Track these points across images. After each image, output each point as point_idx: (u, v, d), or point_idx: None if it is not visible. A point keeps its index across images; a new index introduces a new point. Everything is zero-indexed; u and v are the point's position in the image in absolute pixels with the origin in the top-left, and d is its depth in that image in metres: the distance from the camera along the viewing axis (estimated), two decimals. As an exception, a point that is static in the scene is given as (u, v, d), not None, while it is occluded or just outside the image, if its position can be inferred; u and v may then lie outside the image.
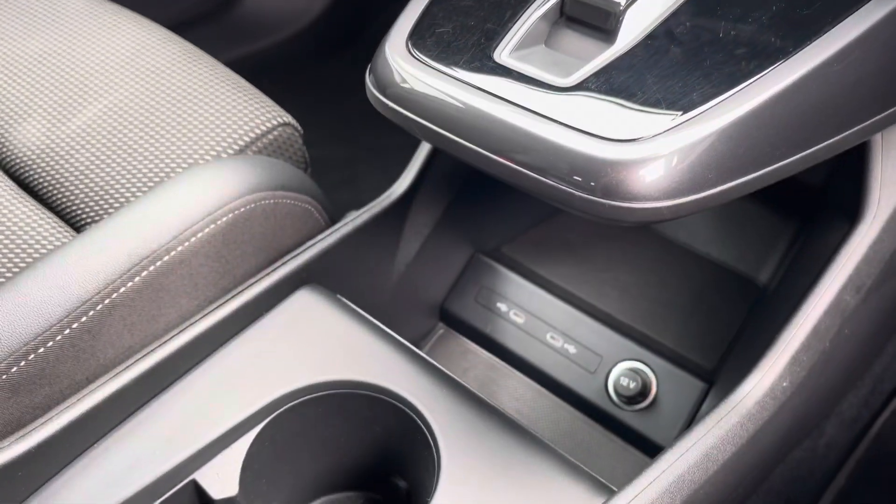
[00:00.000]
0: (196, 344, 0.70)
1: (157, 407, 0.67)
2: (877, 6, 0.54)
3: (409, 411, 0.67)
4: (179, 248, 0.71)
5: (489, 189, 0.94)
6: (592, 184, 0.52)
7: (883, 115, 0.59)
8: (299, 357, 0.70)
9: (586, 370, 0.89)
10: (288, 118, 0.89)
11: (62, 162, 0.87)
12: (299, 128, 0.91)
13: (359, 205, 0.83)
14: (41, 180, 0.87)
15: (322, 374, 0.68)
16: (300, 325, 0.73)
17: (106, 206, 0.83)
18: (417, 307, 0.96)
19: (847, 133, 0.57)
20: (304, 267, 0.76)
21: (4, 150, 0.90)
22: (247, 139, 0.86)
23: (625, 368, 0.87)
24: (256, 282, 0.74)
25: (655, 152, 0.51)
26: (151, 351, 0.68)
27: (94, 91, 0.91)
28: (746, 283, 0.89)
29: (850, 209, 0.68)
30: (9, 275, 0.75)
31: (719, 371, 0.85)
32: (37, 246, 0.77)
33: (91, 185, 0.84)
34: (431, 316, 0.98)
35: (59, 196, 0.85)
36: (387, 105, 0.62)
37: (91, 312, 0.67)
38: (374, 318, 0.74)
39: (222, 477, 0.64)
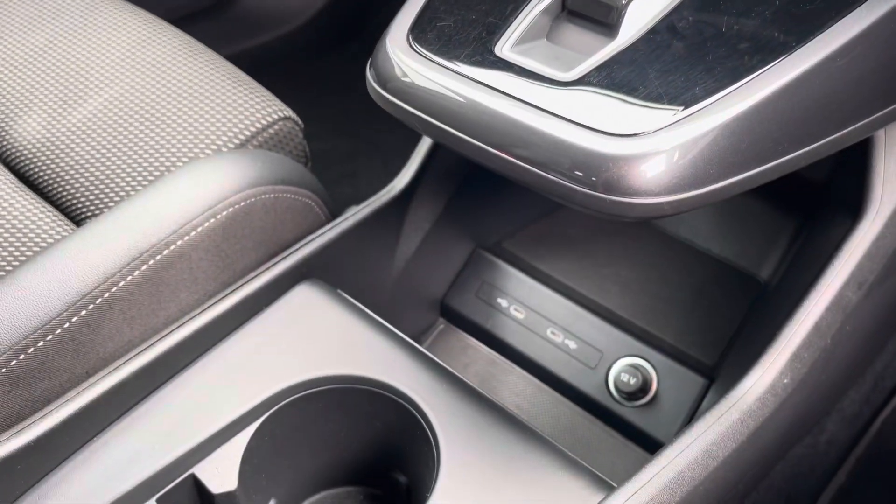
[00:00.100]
0: (196, 338, 0.70)
1: (157, 401, 0.67)
2: (880, 1, 0.53)
3: (409, 406, 0.67)
4: (179, 243, 0.71)
5: (490, 184, 0.94)
6: (594, 179, 0.52)
7: (886, 110, 0.59)
8: (299, 352, 0.70)
9: (587, 366, 0.88)
10: (289, 112, 0.89)
11: (62, 155, 0.86)
12: (300, 122, 0.91)
13: (359, 199, 0.83)
14: (41, 173, 0.87)
15: (322, 369, 0.68)
16: (300, 320, 0.72)
17: (106, 200, 0.83)
18: (418, 302, 0.96)
19: (850, 129, 0.57)
20: (304, 262, 0.76)
21: (5, 143, 0.90)
22: (247, 133, 0.85)
23: (625, 364, 0.87)
24: (256, 276, 0.74)
25: (657, 147, 0.51)
26: (151, 345, 0.68)
27: (95, 84, 0.91)
28: (748, 280, 0.89)
29: (852, 205, 0.68)
30: (9, 268, 0.75)
31: (720, 367, 0.85)
32: (37, 239, 0.77)
33: (91, 178, 0.84)
34: (432, 311, 0.98)
35: (60, 189, 0.85)
36: (387, 99, 0.62)
37: (91, 306, 0.67)
38: (375, 313, 0.74)
39: (222, 471, 0.64)
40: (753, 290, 0.88)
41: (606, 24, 0.56)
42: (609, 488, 0.61)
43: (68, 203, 0.85)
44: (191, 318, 0.70)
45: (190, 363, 0.70)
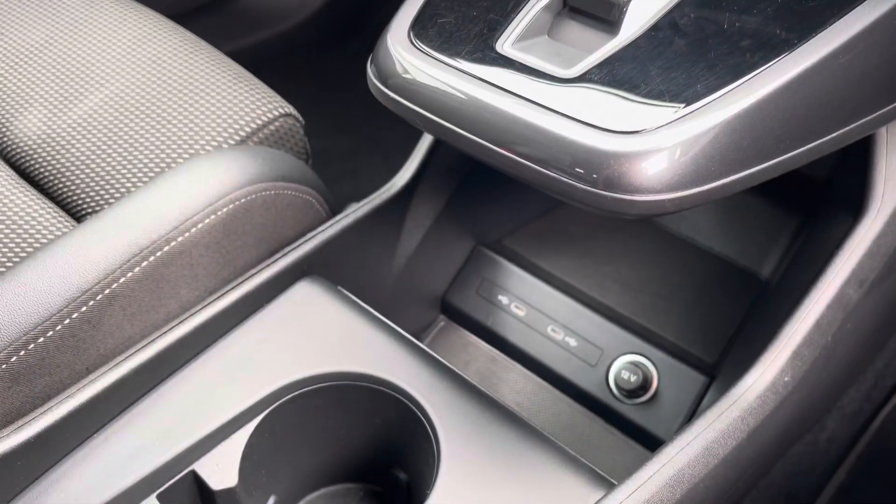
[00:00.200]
0: (196, 335, 0.70)
1: (157, 397, 0.67)
2: (883, -2, 0.53)
3: (409, 403, 0.66)
4: (180, 239, 0.71)
5: (491, 181, 0.94)
6: (595, 176, 0.51)
7: (888, 108, 0.59)
8: (299, 348, 0.70)
9: (587, 363, 0.88)
10: (289, 109, 0.89)
11: (63, 152, 0.86)
12: (301, 119, 0.90)
13: (360, 196, 0.83)
14: (42, 170, 0.87)
15: (322, 366, 0.68)
16: (300, 317, 0.72)
17: (106, 196, 0.83)
18: (418, 299, 0.96)
19: (852, 126, 0.57)
20: (304, 258, 0.76)
21: (5, 139, 0.90)
22: (248, 130, 0.85)
23: (626, 362, 0.87)
24: (257, 273, 0.74)
25: (658, 144, 0.51)
26: (151, 341, 0.68)
27: (96, 81, 0.91)
28: (749, 277, 0.89)
29: (854, 203, 0.67)
30: (9, 264, 0.75)
31: (720, 365, 0.84)
32: (37, 236, 0.77)
33: (92, 174, 0.84)
34: (432, 308, 0.98)
35: (60, 186, 0.85)
36: (388, 96, 0.62)
37: (91, 302, 0.67)
38: (375, 310, 0.74)
39: (222, 468, 0.64)
40: (754, 288, 0.88)
41: (608, 20, 0.56)
42: (609, 486, 0.61)
43: (69, 199, 0.85)
44: (191, 315, 0.70)
45: (190, 360, 0.70)
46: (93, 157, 0.85)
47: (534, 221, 0.98)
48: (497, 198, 0.96)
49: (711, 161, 0.51)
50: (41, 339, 0.65)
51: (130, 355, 0.67)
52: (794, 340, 0.63)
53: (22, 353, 0.64)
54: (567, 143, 0.52)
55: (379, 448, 0.72)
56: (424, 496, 0.62)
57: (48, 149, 0.87)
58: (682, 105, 0.52)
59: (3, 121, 0.91)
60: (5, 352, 0.63)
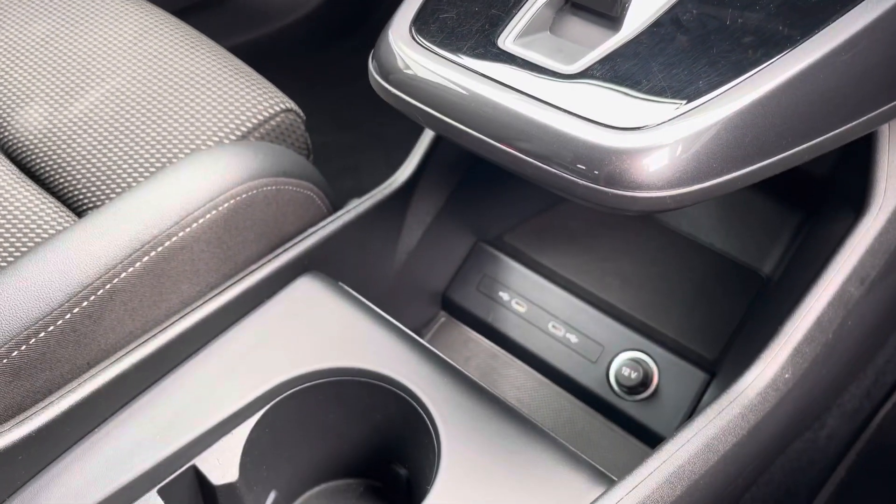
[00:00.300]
0: (197, 330, 0.70)
1: (158, 392, 0.67)
2: (885, -5, 0.53)
3: (409, 399, 0.67)
4: (181, 234, 0.71)
5: (492, 177, 0.94)
6: (596, 172, 0.51)
7: (890, 105, 0.59)
8: (300, 344, 0.70)
9: (588, 360, 0.88)
10: (291, 104, 0.89)
11: (64, 146, 0.86)
12: (302, 114, 0.90)
13: (361, 192, 0.83)
14: (43, 164, 0.87)
15: (323, 362, 0.68)
16: (301, 313, 0.72)
17: (108, 191, 0.83)
18: (419, 295, 0.96)
19: (854, 123, 0.57)
20: (305, 254, 0.76)
21: (6, 133, 0.90)
22: (249, 125, 0.85)
23: (626, 358, 0.87)
24: (258, 268, 0.74)
25: (660, 141, 0.51)
26: (152, 336, 0.68)
27: (97, 75, 0.91)
28: (750, 274, 0.89)
29: (855, 200, 0.67)
30: (10, 259, 0.75)
31: (721, 362, 0.84)
32: (38, 230, 0.77)
33: (93, 169, 0.84)
34: (433, 304, 0.98)
35: (61, 180, 0.85)
36: (389, 91, 0.62)
37: (92, 297, 0.67)
38: (376, 305, 0.74)
39: (222, 463, 0.64)
40: (755, 285, 0.88)
41: (610, 16, 0.56)
42: (609, 482, 0.61)
43: (70, 194, 0.85)
44: (192, 310, 0.70)
45: (191, 355, 0.70)
46: (94, 151, 0.85)
47: (535, 218, 0.98)
48: (498, 194, 0.96)
49: (713, 158, 0.51)
50: (42, 334, 0.65)
51: (131, 350, 0.67)
52: (795, 337, 0.63)
53: (23, 347, 0.64)
54: (569, 139, 0.52)
55: (379, 444, 0.72)
56: (425, 492, 0.62)
57: (49, 143, 0.87)
58: (684, 101, 0.51)
59: (5, 115, 0.91)
60: (6, 346, 0.63)
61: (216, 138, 0.84)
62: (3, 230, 0.77)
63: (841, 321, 0.66)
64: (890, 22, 0.54)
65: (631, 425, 0.86)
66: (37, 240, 0.77)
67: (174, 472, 0.63)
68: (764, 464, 0.80)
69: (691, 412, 0.83)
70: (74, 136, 0.86)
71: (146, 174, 0.82)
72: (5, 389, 0.64)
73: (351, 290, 0.75)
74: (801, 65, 0.52)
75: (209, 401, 0.66)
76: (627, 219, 0.96)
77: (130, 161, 0.83)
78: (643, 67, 0.54)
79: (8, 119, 0.90)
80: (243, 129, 0.85)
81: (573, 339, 0.90)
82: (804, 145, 0.55)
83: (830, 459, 0.90)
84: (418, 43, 0.61)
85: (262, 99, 0.87)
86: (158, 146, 0.84)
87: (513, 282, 0.95)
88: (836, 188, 0.80)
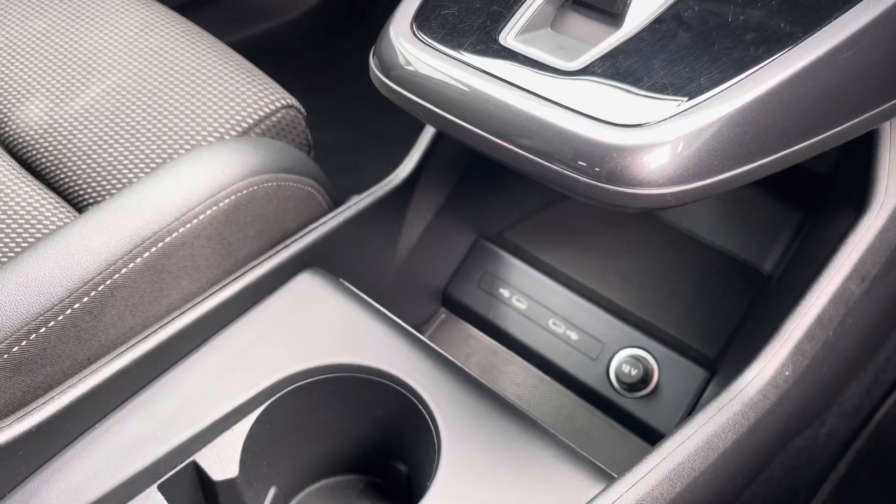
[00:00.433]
0: (198, 326, 0.70)
1: (158, 388, 0.67)
2: (888, -8, 0.53)
3: (410, 395, 0.67)
4: (181, 230, 0.70)
5: (493, 174, 0.94)
6: (597, 169, 0.51)
7: (892, 103, 0.59)
8: (301, 340, 0.70)
9: (588, 357, 0.88)
10: (292, 100, 0.89)
11: (65, 142, 0.86)
12: (303, 110, 0.90)
13: (361, 189, 0.83)
14: (43, 160, 0.87)
15: (323, 358, 0.68)
16: (302, 309, 0.72)
17: (108, 187, 0.83)
18: (419, 292, 0.96)
19: (856, 121, 0.57)
20: (306, 250, 0.76)
21: (7, 129, 0.90)
22: (250, 121, 0.85)
23: (626, 355, 0.87)
24: (258, 264, 0.74)
25: (661, 138, 0.51)
26: (153, 332, 0.68)
27: (98, 71, 0.91)
28: (750, 272, 0.89)
29: (857, 198, 0.67)
30: (11, 254, 0.75)
31: (721, 359, 0.85)
32: (38, 226, 0.77)
33: (93, 165, 0.84)
34: (433, 301, 0.98)
35: (62, 176, 0.85)
36: (390, 87, 0.62)
37: (93, 293, 0.67)
38: (376, 302, 0.74)
39: (223, 458, 0.64)
40: (756, 283, 0.88)
41: (612, 13, 0.56)
42: (609, 479, 0.61)
43: (70, 190, 0.84)
44: (193, 306, 0.70)
45: (192, 351, 0.70)
46: (94, 147, 0.85)
47: (535, 215, 0.98)
48: (499, 191, 0.96)
49: (714, 155, 0.51)
50: (43, 330, 0.65)
51: (132, 346, 0.67)
52: (796, 335, 0.63)
53: (24, 343, 0.64)
54: (570, 135, 0.52)
55: (379, 440, 0.72)
56: (424, 488, 0.62)
57: (50, 139, 0.87)
58: (686, 98, 0.51)
59: (5, 110, 0.91)
60: (7, 342, 0.63)
61: (217, 134, 0.84)
62: (3, 226, 0.77)
63: (841, 319, 0.66)
64: (892, 19, 0.53)
65: (631, 422, 0.86)
66: (37, 235, 0.77)
67: (174, 467, 0.63)
68: (764, 461, 0.80)
69: (691, 409, 0.83)
70: (75, 132, 0.86)
71: (147, 170, 0.82)
72: (6, 385, 0.64)
73: (351, 287, 0.75)
74: (802, 62, 0.52)
75: (209, 397, 0.66)
76: (628, 216, 0.96)
77: (131, 157, 0.83)
78: (644, 64, 0.54)
79: (8, 115, 0.90)
80: (244, 125, 0.85)
81: (573, 335, 0.90)
82: (805, 143, 0.55)
83: (830, 457, 0.90)
84: (419, 39, 0.61)
85: (263, 95, 0.87)
86: (159, 142, 0.84)
87: (513, 279, 0.95)
88: (838, 186, 0.80)
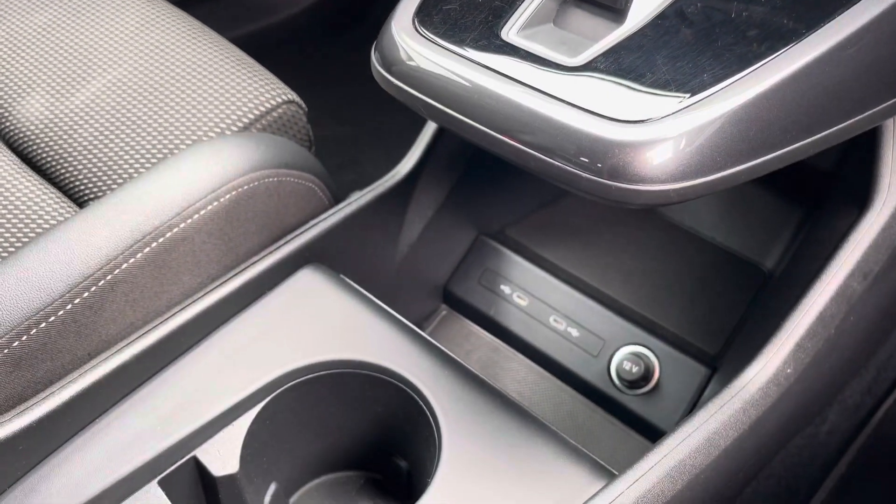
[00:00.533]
0: (198, 321, 0.70)
1: (159, 383, 0.67)
2: (892, -12, 0.53)
3: (410, 392, 0.67)
4: (182, 225, 0.70)
5: (494, 170, 0.94)
6: (599, 165, 0.51)
7: (895, 99, 0.58)
8: (301, 336, 0.70)
9: (589, 354, 0.88)
10: (293, 96, 0.89)
11: (65, 137, 0.86)
12: (304, 106, 0.90)
13: (362, 185, 0.83)
14: (44, 155, 0.87)
15: (324, 354, 0.68)
16: (303, 305, 0.72)
17: (109, 182, 0.83)
18: (420, 288, 0.96)
19: (859, 117, 0.57)
20: (307, 246, 0.76)
21: (8, 124, 0.90)
22: (251, 116, 0.85)
23: (627, 352, 0.87)
24: (259, 260, 0.73)
25: (663, 134, 0.50)
26: (153, 327, 0.68)
27: (99, 66, 0.91)
28: (752, 269, 0.89)
29: (859, 195, 0.67)
30: (11, 249, 0.75)
31: (723, 357, 0.84)
32: (39, 221, 0.77)
33: (94, 160, 0.84)
34: (434, 297, 0.97)
35: (63, 171, 0.85)
36: (392, 83, 0.61)
37: (93, 288, 0.67)
38: (377, 298, 0.74)
39: (223, 454, 0.64)
40: (757, 280, 0.88)
41: (614, 8, 0.56)
42: (610, 476, 0.61)
43: (71, 185, 0.84)
44: (193, 302, 0.70)
45: (192, 346, 0.70)
46: (95, 142, 0.85)
47: (537, 212, 0.98)
48: (500, 187, 0.96)
49: (717, 151, 0.51)
50: (43, 325, 0.65)
51: (132, 341, 0.67)
52: (797, 332, 0.63)
53: (24, 337, 0.64)
54: (572, 131, 0.52)
55: (380, 436, 0.72)
56: (425, 484, 0.62)
57: (51, 134, 0.87)
58: (688, 95, 0.51)
59: (6, 105, 0.91)
60: (7, 336, 0.63)
61: (218, 129, 0.84)
62: (4, 221, 0.77)
63: (843, 316, 0.66)
64: (895, 16, 0.53)
65: (632, 419, 0.86)
66: (38, 230, 0.76)
67: (175, 463, 0.63)
68: (765, 459, 0.80)
69: (692, 407, 0.83)
70: (76, 127, 0.86)
71: (148, 165, 0.82)
72: (6, 380, 0.64)
73: (352, 283, 0.75)
74: (806, 58, 0.51)
75: (210, 392, 0.66)
76: (630, 213, 0.95)
77: (132, 152, 0.83)
78: (647, 60, 0.54)
79: (9, 109, 0.90)
80: (245, 120, 0.85)
81: (574, 332, 0.90)
82: (808, 139, 0.55)
83: (831, 455, 0.90)
84: (421, 34, 0.60)
85: (265, 90, 0.87)
86: (160, 137, 0.84)
87: (514, 275, 0.94)
88: (840, 183, 0.80)
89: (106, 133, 0.85)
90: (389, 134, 1.38)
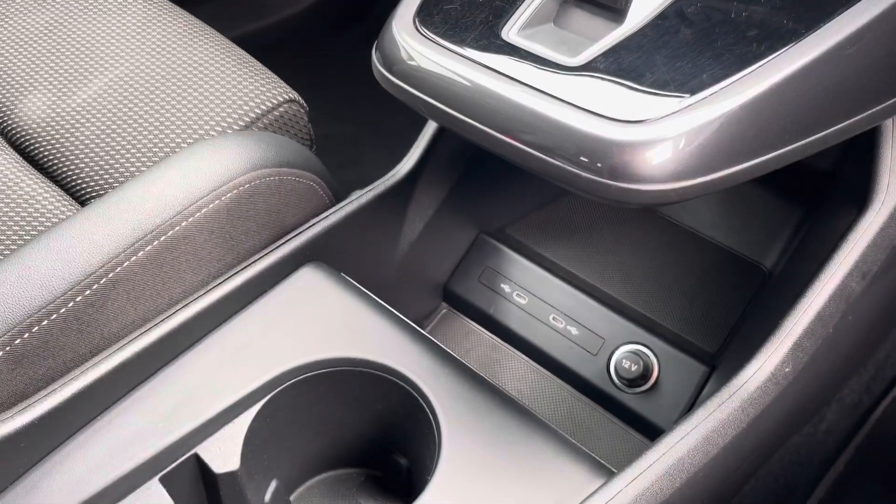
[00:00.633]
0: (199, 319, 0.70)
1: (160, 381, 0.67)
2: (891, -11, 0.53)
3: (410, 389, 0.67)
4: (184, 224, 0.71)
5: (494, 170, 0.94)
6: (599, 165, 0.51)
7: (895, 100, 0.59)
8: (302, 334, 0.70)
9: (588, 352, 0.89)
10: (294, 95, 0.89)
11: (67, 135, 0.86)
12: (305, 105, 0.90)
13: (363, 184, 0.83)
14: (46, 153, 0.87)
15: (325, 352, 0.69)
16: (303, 303, 0.73)
17: (111, 180, 0.83)
18: (421, 287, 0.96)
19: (858, 118, 0.57)
20: (308, 244, 0.76)
21: (10, 122, 0.90)
22: (252, 115, 0.85)
23: (627, 351, 0.87)
24: (260, 258, 0.74)
25: (663, 134, 0.51)
26: (155, 325, 0.68)
27: (101, 64, 0.91)
28: (751, 268, 0.89)
29: (858, 194, 0.67)
30: (13, 247, 0.75)
31: (721, 355, 0.85)
32: (41, 219, 0.78)
33: (96, 158, 0.84)
34: (435, 296, 0.98)
35: (64, 169, 0.85)
36: (393, 82, 0.62)
37: (95, 286, 0.67)
38: (378, 296, 0.74)
39: (224, 451, 0.64)
40: (756, 279, 0.88)
41: (614, 8, 0.56)
42: (609, 474, 0.61)
43: (73, 183, 0.85)
44: (195, 300, 0.70)
45: (193, 344, 0.70)
46: (97, 140, 0.85)
47: (537, 211, 0.98)
48: (500, 186, 0.96)
49: (716, 151, 0.51)
50: (45, 322, 0.65)
51: (134, 339, 0.67)
52: (796, 331, 0.63)
53: (26, 335, 0.64)
54: (572, 131, 0.52)
55: (380, 434, 0.72)
56: (425, 481, 0.62)
57: (52, 132, 0.87)
58: (688, 94, 0.51)
59: (8, 103, 0.91)
60: (9, 334, 0.63)
61: (219, 128, 0.84)
62: (6, 218, 0.77)
63: (842, 316, 0.66)
64: (895, 16, 0.53)
65: (631, 418, 0.86)
66: (40, 228, 0.77)
67: (176, 460, 0.63)
68: (763, 457, 0.80)
69: (691, 405, 0.83)
70: (78, 125, 0.87)
71: (149, 163, 0.82)
72: (8, 377, 0.64)
73: (353, 281, 0.75)
74: (805, 59, 0.52)
75: (211, 390, 0.66)
76: (629, 212, 0.96)
77: (133, 150, 0.83)
78: (647, 60, 0.54)
79: (11, 107, 0.90)
80: (246, 119, 0.85)
81: (574, 331, 0.90)
82: (808, 139, 0.55)
83: (829, 453, 0.90)
84: (422, 34, 0.61)
85: (266, 89, 0.87)
86: (161, 135, 0.84)
87: (514, 274, 0.95)
88: (839, 183, 0.80)
89: (107, 131, 0.85)
90: (390, 133, 1.38)
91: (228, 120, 0.84)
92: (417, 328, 0.71)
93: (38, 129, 0.88)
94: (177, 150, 0.82)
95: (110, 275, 0.67)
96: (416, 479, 0.71)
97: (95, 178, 0.83)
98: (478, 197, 0.96)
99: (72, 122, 0.87)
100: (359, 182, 0.87)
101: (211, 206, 0.72)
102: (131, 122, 0.85)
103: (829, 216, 0.77)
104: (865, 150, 0.67)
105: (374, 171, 0.86)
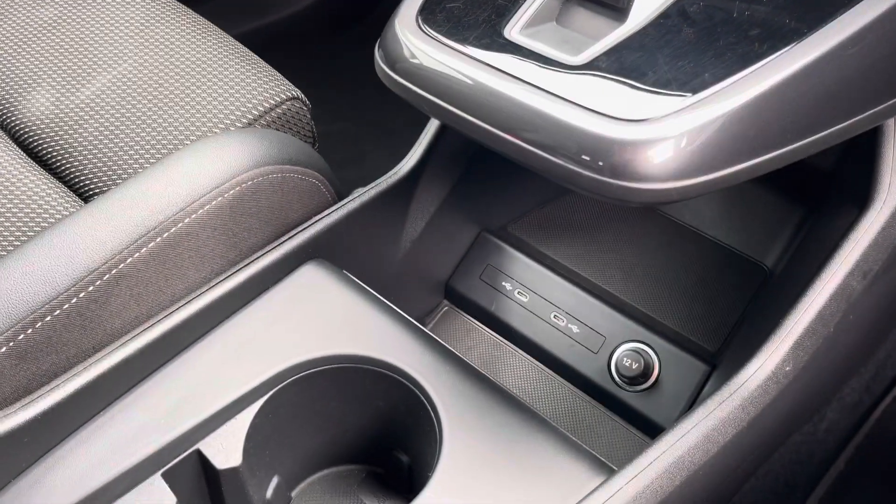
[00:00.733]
0: (202, 316, 0.70)
1: (163, 377, 0.68)
2: (893, -11, 0.53)
3: (412, 387, 0.67)
4: (187, 220, 0.71)
5: (496, 168, 0.94)
6: (600, 163, 0.52)
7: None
8: (304, 331, 0.70)
9: (589, 350, 0.89)
10: (297, 92, 0.89)
11: (70, 132, 0.87)
12: (307, 102, 0.91)
13: (365, 182, 0.83)
14: (50, 150, 0.87)
15: (326, 349, 0.69)
16: (305, 300, 0.73)
17: (114, 177, 0.83)
18: (422, 284, 0.96)
19: (859, 117, 0.57)
20: (310, 242, 0.76)
21: (14, 119, 0.90)
22: (255, 112, 0.85)
23: (627, 349, 0.87)
24: (263, 255, 0.74)
25: (665, 133, 0.51)
26: (158, 321, 0.68)
27: (104, 61, 0.91)
28: (752, 267, 0.89)
29: (859, 194, 0.67)
30: (17, 243, 0.75)
31: (722, 354, 0.85)
32: (45, 215, 0.78)
33: (99, 155, 0.84)
34: (436, 293, 0.98)
35: (68, 166, 0.86)
36: (395, 80, 0.62)
37: (98, 282, 0.67)
38: (380, 294, 0.74)
39: (226, 447, 0.64)
40: (758, 278, 0.89)
41: (617, 7, 0.56)
42: (609, 471, 0.61)
43: (76, 179, 0.85)
44: (197, 296, 0.70)
45: (196, 340, 0.70)
46: (101, 137, 0.85)
47: (538, 209, 0.98)
48: (502, 184, 0.96)
49: (718, 150, 0.51)
50: (48, 318, 0.65)
51: (137, 335, 0.67)
52: (797, 330, 0.63)
53: (29, 331, 0.64)
54: (573, 130, 0.53)
55: (381, 430, 0.72)
56: (426, 478, 0.62)
57: (56, 129, 0.87)
58: (690, 94, 0.52)
59: (12, 100, 0.91)
60: (13, 330, 0.64)
61: (222, 125, 0.84)
62: (9, 215, 0.77)
63: (842, 315, 0.66)
64: (897, 16, 0.53)
65: (631, 416, 0.86)
66: (43, 224, 0.77)
67: (178, 455, 0.64)
68: (763, 455, 0.80)
69: (691, 404, 0.84)
70: (81, 122, 0.87)
71: (152, 160, 0.83)
72: (11, 372, 0.64)
73: (355, 279, 0.76)
74: (807, 58, 0.52)
75: (214, 386, 0.66)
76: (631, 211, 0.96)
77: (137, 147, 0.84)
78: (649, 59, 0.54)
79: (15, 104, 0.91)
80: (249, 116, 0.85)
81: (575, 329, 0.90)
82: (809, 139, 0.55)
83: (829, 453, 0.90)
84: (424, 32, 0.61)
85: (269, 87, 0.87)
86: (165, 132, 0.84)
87: (516, 272, 0.95)
88: (840, 182, 0.80)
89: (111, 128, 0.85)
90: (392, 131, 1.38)
91: (231, 117, 0.85)
92: (419, 325, 0.72)
93: (42, 126, 0.88)
94: (180, 147, 0.83)
95: (113, 271, 0.68)
96: (418, 475, 0.71)
97: (99, 174, 0.84)
98: (479, 195, 0.96)
99: (75, 118, 0.87)
100: (361, 180, 0.87)
101: (214, 203, 0.72)
102: (134, 119, 0.85)
103: (831, 215, 0.77)
104: (867, 149, 0.67)
105: (377, 169, 0.87)
